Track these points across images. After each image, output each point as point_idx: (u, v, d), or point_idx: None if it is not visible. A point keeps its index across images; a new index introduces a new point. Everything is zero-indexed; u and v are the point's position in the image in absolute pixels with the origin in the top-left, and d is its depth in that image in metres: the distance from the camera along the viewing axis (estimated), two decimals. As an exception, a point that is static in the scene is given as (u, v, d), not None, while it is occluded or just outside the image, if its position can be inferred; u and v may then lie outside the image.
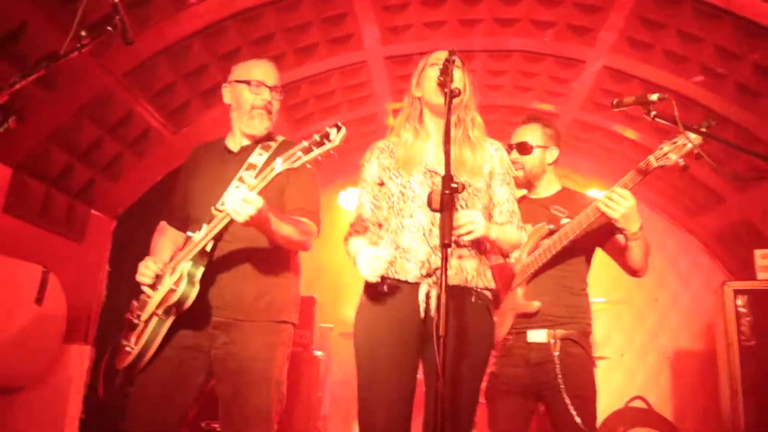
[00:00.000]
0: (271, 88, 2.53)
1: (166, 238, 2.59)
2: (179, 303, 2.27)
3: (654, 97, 2.44)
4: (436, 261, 2.12)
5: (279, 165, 2.06)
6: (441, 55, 2.29)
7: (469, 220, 2.07)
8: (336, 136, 2.00)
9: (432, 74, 2.28)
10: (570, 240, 2.64)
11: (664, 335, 6.05)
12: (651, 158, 2.46)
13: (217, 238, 2.33)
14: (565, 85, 4.97)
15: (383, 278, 2.13)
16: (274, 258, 2.45)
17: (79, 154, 3.87)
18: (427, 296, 2.14)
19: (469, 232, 2.07)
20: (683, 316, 6.05)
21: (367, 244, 2.27)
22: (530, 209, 2.78)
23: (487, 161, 2.31)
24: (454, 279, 2.16)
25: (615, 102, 2.57)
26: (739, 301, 3.97)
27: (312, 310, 4.82)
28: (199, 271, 2.29)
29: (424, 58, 2.41)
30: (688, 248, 6.07)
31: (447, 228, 1.84)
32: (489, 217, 2.30)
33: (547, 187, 2.89)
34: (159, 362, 2.34)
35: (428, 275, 2.15)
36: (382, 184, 2.32)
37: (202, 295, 2.31)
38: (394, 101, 5.26)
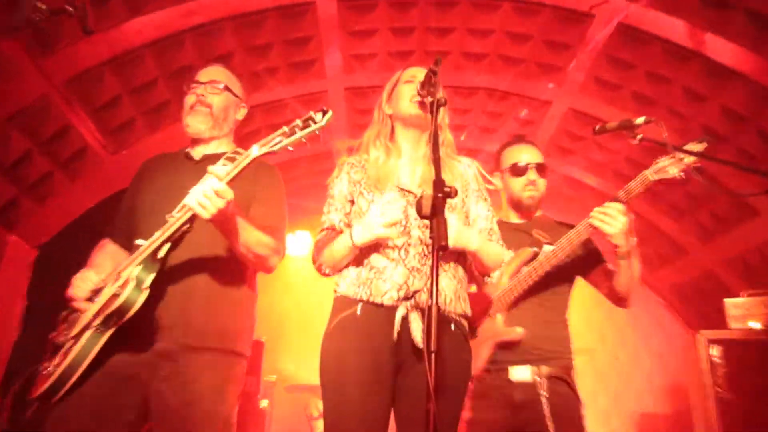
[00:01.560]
0: (206, 83, 2.50)
1: (108, 254, 2.44)
2: (122, 310, 2.07)
3: (640, 120, 2.48)
4: (415, 283, 2.09)
5: (255, 150, 1.97)
6: (416, 72, 2.32)
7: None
8: (322, 118, 1.96)
9: (406, 92, 2.30)
10: (556, 262, 2.61)
11: (629, 397, 5.99)
12: (647, 173, 2.47)
13: (173, 244, 2.20)
14: (530, 126, 5.11)
15: (356, 300, 2.10)
16: (231, 273, 2.34)
17: (3, 167, 3.64)
18: (404, 319, 2.08)
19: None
20: (647, 376, 6.03)
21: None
22: (511, 234, 2.75)
23: (457, 177, 2.31)
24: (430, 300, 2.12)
25: (597, 128, 2.59)
26: (713, 351, 3.89)
27: (260, 355, 4.66)
28: (149, 277, 2.13)
29: (397, 74, 2.42)
30: (648, 303, 6.09)
31: (442, 231, 1.78)
32: None
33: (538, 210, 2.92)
34: (84, 390, 2.09)
35: (406, 298, 2.10)
36: (352, 201, 2.29)
37: (147, 312, 2.13)
38: (350, 138, 5.25)
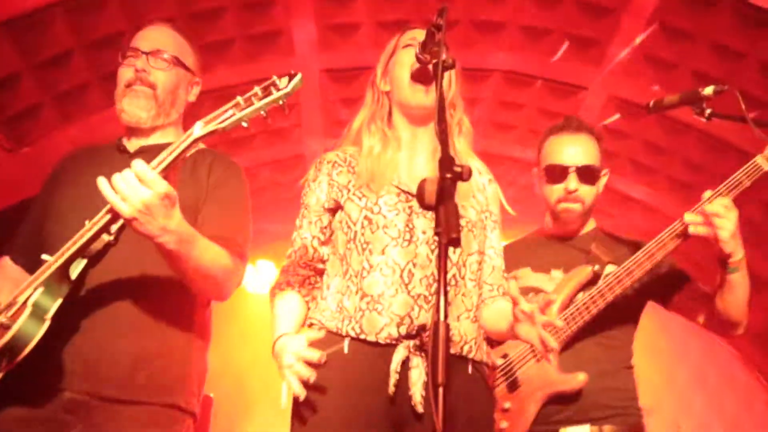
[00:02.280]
0: (148, 53, 2.46)
1: (6, 278, 2.42)
2: (13, 347, 2.01)
3: (709, 90, 2.47)
4: (421, 316, 2.08)
5: (199, 128, 1.92)
6: (417, 35, 2.30)
7: None
8: (288, 83, 1.91)
9: (406, 59, 2.28)
10: (629, 284, 2.58)
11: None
12: (759, 159, 2.45)
13: (91, 260, 2.17)
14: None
15: (342, 336, 2.12)
16: (173, 300, 2.32)
17: None
18: (404, 364, 2.06)
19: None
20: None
21: (298, 305, 2.25)
22: (554, 250, 2.79)
23: (479, 188, 2.33)
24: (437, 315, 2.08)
25: (652, 104, 2.60)
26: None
27: (207, 416, 4.62)
28: (54, 304, 2.09)
29: (394, 39, 2.41)
30: (716, 355, 5.93)
31: (452, 221, 1.72)
32: (479, 265, 2.29)
33: (588, 224, 2.90)
34: None
35: (408, 336, 2.08)
36: (334, 209, 2.29)
37: (50, 350, 2.11)
38: (327, 137, 5.24)
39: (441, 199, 1.75)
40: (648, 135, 5.03)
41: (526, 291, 2.66)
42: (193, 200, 2.30)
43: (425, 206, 1.83)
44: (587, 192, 2.78)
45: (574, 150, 2.78)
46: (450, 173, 1.78)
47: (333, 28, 4.57)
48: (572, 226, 2.84)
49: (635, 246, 2.65)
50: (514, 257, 2.60)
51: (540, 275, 2.76)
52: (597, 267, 2.68)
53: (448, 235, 1.67)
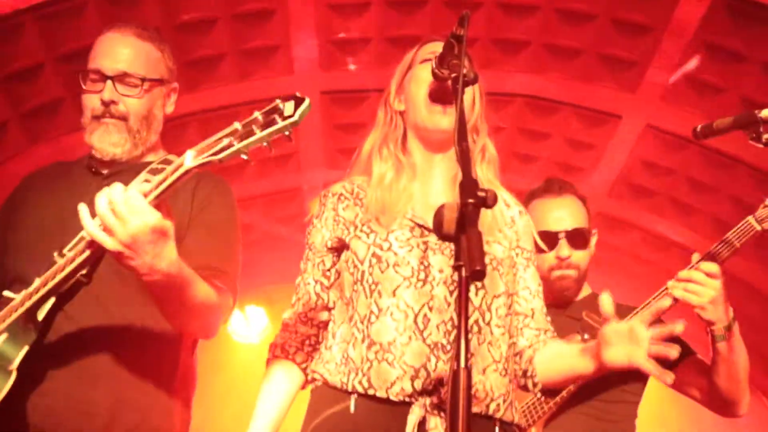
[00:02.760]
0: (115, 78, 2.44)
1: None
2: None
3: (767, 112, 2.45)
4: (439, 368, 2.05)
5: (190, 158, 1.88)
6: (438, 48, 2.28)
7: None
8: (295, 111, 1.84)
9: (424, 75, 2.27)
10: None
11: None
12: (751, 219, 2.57)
13: (59, 299, 2.15)
14: (589, 155, 5.19)
15: (347, 393, 2.09)
16: (152, 348, 2.33)
17: None
18: (421, 426, 2.03)
19: None
20: None
21: (288, 385, 2.27)
22: (553, 321, 2.82)
23: (508, 222, 2.32)
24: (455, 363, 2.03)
25: (699, 129, 2.57)
26: None
27: None
28: (19, 352, 2.10)
29: (412, 52, 2.42)
30: (734, 428, 5.96)
31: (476, 249, 1.67)
32: (508, 309, 2.27)
33: (583, 290, 3.01)
34: None
35: (424, 392, 2.05)
36: (338, 249, 2.28)
37: (17, 406, 2.14)
38: (328, 168, 5.24)
39: (462, 227, 1.71)
40: (690, 170, 4.98)
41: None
42: (175, 226, 2.27)
43: (443, 236, 1.79)
44: (580, 257, 2.92)
45: (560, 213, 2.94)
46: (473, 198, 1.73)
47: (337, 44, 4.59)
48: (567, 293, 2.95)
49: (629, 312, 2.68)
50: None
51: None
52: (587, 336, 2.71)
53: (471, 267, 1.62)
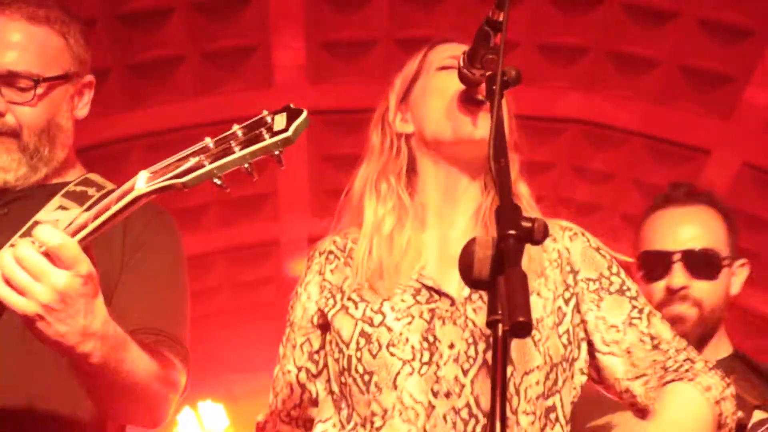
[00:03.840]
0: (1, 81, 2.41)
1: None
2: None
3: None
4: None
5: (143, 181, 1.80)
6: (453, 50, 2.31)
7: None
8: (288, 125, 1.80)
9: (444, 84, 2.28)
10: None
11: None
12: None
13: None
14: None
15: None
16: None
17: None
18: None
19: None
20: None
21: None
22: None
23: (554, 259, 2.27)
24: None
25: None
26: None
27: None
28: None
29: (418, 56, 2.41)
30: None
31: (518, 295, 1.60)
32: (566, 380, 2.26)
33: (716, 347, 2.91)
34: None
35: None
36: (326, 324, 2.27)
37: None
38: (315, 215, 5.22)
39: (499, 267, 1.64)
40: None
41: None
42: (101, 276, 2.23)
43: (473, 282, 1.71)
44: (705, 290, 2.84)
45: (679, 228, 2.92)
46: (514, 229, 1.65)
47: (328, 47, 4.65)
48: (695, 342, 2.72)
49: None
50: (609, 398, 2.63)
51: None
52: (741, 414, 2.55)
53: (511, 318, 1.53)
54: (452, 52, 2.31)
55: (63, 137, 2.53)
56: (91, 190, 2.52)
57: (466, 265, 1.74)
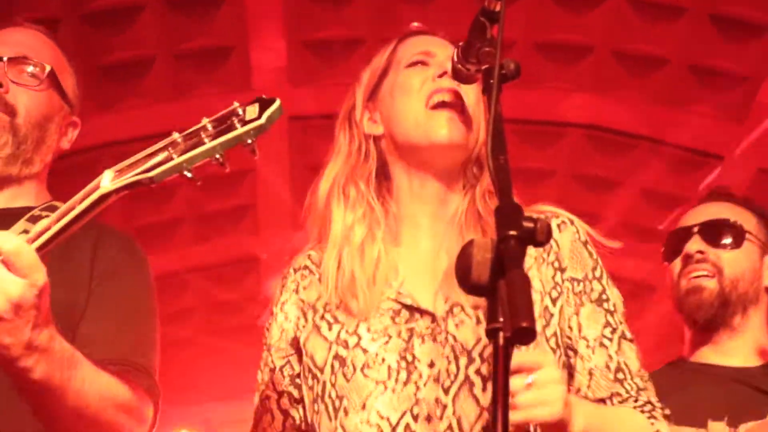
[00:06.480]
0: (11, 60, 2.46)
1: None
2: None
3: None
4: None
5: (108, 179, 1.83)
6: (431, 46, 2.34)
7: (539, 382, 1.95)
8: (261, 113, 1.82)
9: (416, 81, 2.28)
10: None
11: None
12: None
13: None
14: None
15: None
16: None
17: None
18: None
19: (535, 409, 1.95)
20: None
21: None
22: (717, 388, 2.89)
23: (539, 256, 2.29)
24: None
25: None
26: None
27: None
28: None
29: (386, 51, 2.40)
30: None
31: (521, 300, 1.59)
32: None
33: (746, 344, 2.98)
34: None
35: None
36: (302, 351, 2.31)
37: None
38: (295, 229, 5.24)
39: (500, 271, 1.63)
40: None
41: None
42: (66, 302, 2.26)
43: (471, 287, 1.68)
44: (725, 258, 2.94)
45: (703, 207, 3.08)
46: (515, 230, 1.64)
47: (311, 47, 4.63)
48: (703, 315, 2.94)
49: None
50: None
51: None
52: (753, 424, 2.76)
53: (513, 324, 1.52)
54: (423, 46, 2.34)
55: (45, 149, 2.57)
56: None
57: (463, 268, 1.71)
